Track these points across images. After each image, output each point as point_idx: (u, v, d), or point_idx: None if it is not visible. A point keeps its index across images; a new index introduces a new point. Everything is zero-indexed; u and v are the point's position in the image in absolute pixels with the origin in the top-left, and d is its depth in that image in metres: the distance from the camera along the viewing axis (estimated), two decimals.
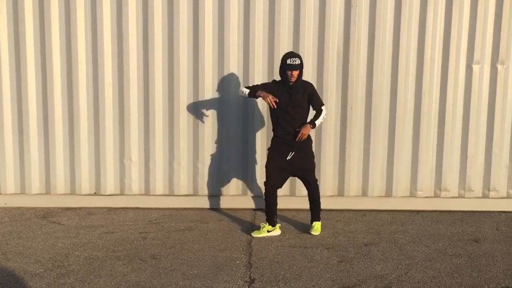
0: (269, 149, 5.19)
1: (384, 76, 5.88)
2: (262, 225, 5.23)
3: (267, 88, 5.07)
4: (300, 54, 5.81)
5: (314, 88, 5.16)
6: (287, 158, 5.03)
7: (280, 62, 5.01)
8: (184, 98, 5.92)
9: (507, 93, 5.91)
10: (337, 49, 5.84)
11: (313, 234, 5.20)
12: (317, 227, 5.24)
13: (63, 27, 5.83)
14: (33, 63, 5.88)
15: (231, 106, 5.92)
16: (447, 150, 5.97)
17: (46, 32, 5.83)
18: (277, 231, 5.22)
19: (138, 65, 5.88)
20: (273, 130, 5.18)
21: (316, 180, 5.23)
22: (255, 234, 5.17)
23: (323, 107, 5.13)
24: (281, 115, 5.04)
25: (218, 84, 5.90)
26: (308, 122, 5.07)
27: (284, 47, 5.81)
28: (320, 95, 5.89)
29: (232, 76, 5.87)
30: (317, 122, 5.08)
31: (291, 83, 5.00)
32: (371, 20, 5.81)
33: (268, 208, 5.16)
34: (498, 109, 5.94)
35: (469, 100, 5.92)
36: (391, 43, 5.84)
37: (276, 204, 5.16)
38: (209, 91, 5.91)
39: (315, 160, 5.26)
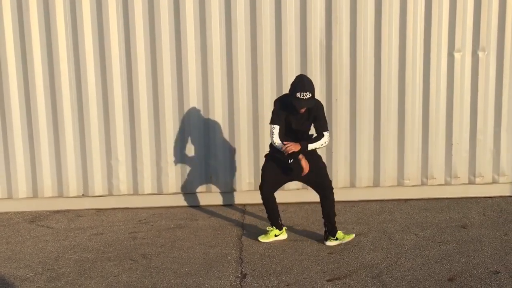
0: (266, 156, 4.88)
1: (368, 68, 5.90)
2: (268, 228, 4.96)
3: (282, 118, 4.58)
4: (283, 49, 5.85)
5: (322, 110, 4.65)
6: (290, 161, 4.58)
7: (290, 86, 4.49)
8: (169, 96, 5.89)
9: (488, 79, 5.98)
10: (319, 42, 5.86)
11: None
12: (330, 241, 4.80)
13: (43, 26, 5.76)
14: (14, 66, 5.80)
15: (216, 103, 5.90)
16: (432, 138, 6.03)
17: (26, 32, 5.76)
18: (284, 235, 4.96)
19: (121, 63, 5.83)
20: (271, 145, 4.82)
21: (331, 188, 4.72)
22: (262, 239, 4.89)
23: (325, 133, 4.63)
24: (287, 132, 4.65)
25: (203, 82, 5.89)
26: (302, 143, 4.58)
27: (267, 41, 5.81)
28: None
29: (216, 75, 5.85)
30: (311, 146, 4.59)
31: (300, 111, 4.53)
32: (352, 12, 5.82)
33: (268, 212, 4.88)
34: (480, 96, 6.00)
35: (452, 88, 5.98)
36: (373, 34, 5.87)
37: (276, 207, 4.85)
38: (194, 89, 5.89)
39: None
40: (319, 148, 4.69)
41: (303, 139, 4.65)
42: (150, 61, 5.84)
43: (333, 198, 4.76)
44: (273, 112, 4.67)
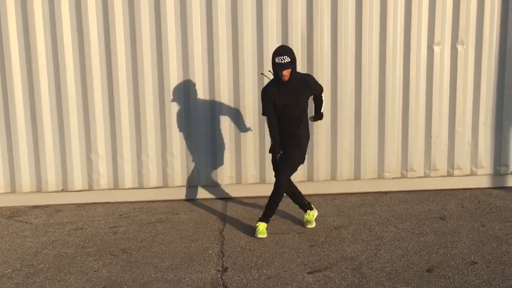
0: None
1: (348, 60, 5.92)
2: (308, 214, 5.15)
3: (271, 106, 4.75)
4: (265, 40, 5.83)
5: (314, 80, 4.96)
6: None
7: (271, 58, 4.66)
8: (150, 89, 5.84)
9: (467, 72, 6.05)
10: (300, 35, 5.85)
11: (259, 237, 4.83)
12: (261, 228, 4.88)
13: (20, 22, 5.66)
14: None
15: (198, 95, 5.88)
16: (412, 131, 6.08)
17: (3, 28, 5.65)
18: (315, 212, 5.21)
19: (101, 57, 5.76)
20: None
21: (285, 176, 4.83)
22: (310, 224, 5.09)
23: (322, 94, 5.03)
24: (281, 115, 4.79)
25: (184, 75, 5.84)
26: (315, 116, 5.09)
27: (248, 32, 5.79)
28: None
29: (198, 68, 5.82)
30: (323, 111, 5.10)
31: (286, 82, 4.66)
32: (333, 4, 5.83)
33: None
34: (459, 89, 6.07)
35: (431, 81, 6.03)
36: (354, 27, 5.88)
37: (295, 191, 5.15)
38: (175, 80, 5.85)
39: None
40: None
41: (301, 124, 4.85)
42: (130, 54, 5.77)
43: (279, 191, 4.81)
44: (262, 102, 4.85)
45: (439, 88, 6.05)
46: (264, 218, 4.94)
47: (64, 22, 5.68)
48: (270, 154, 4.96)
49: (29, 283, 4.07)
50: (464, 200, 5.80)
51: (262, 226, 4.90)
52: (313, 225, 5.08)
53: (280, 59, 4.54)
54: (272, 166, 5.04)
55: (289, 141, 4.86)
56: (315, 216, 5.17)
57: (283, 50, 4.62)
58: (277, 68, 4.57)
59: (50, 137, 5.86)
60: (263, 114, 4.87)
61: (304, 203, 5.18)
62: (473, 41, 6.00)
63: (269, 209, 4.92)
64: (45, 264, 4.40)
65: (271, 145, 4.92)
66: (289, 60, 4.55)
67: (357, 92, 5.99)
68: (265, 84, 4.93)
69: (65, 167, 5.91)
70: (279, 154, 4.89)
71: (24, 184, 5.91)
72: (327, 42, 5.88)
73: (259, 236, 4.82)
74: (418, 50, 5.97)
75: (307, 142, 4.99)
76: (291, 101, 4.75)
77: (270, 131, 4.86)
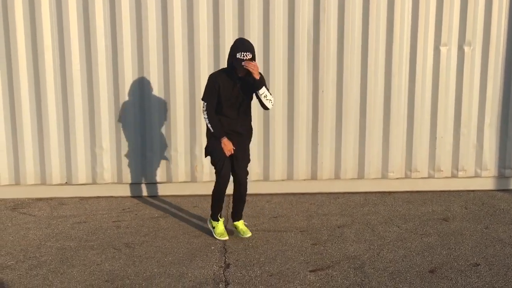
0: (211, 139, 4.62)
1: (355, 60, 5.91)
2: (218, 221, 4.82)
3: (214, 94, 4.43)
4: (270, 39, 5.83)
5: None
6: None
7: (230, 50, 4.38)
8: (155, 83, 5.85)
9: (473, 74, 6.03)
10: (307, 34, 5.84)
11: (243, 236, 4.73)
12: (243, 227, 4.81)
13: (28, 15, 5.67)
14: None
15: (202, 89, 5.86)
16: (417, 131, 6.07)
17: (10, 21, 5.66)
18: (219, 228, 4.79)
19: (107, 48, 5.76)
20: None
21: (247, 174, 4.71)
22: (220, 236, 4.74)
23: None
24: (227, 106, 4.48)
25: (189, 68, 5.84)
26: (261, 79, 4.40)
27: (255, 32, 5.78)
28: (291, 79, 5.92)
29: (203, 60, 5.82)
30: (264, 89, 4.39)
31: (240, 76, 4.41)
32: (340, 4, 5.82)
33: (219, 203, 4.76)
34: (465, 90, 6.05)
35: (438, 82, 6.02)
36: (361, 26, 5.87)
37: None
38: (180, 73, 5.84)
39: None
40: (267, 98, 4.43)
41: (243, 112, 4.54)
42: (136, 49, 5.78)
43: (244, 191, 4.74)
44: (205, 89, 4.51)
45: (445, 89, 6.03)
46: (239, 216, 4.85)
47: (71, 14, 5.69)
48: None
49: (32, 275, 4.08)
50: (468, 202, 5.78)
51: (241, 224, 4.82)
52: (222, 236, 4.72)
53: (242, 55, 4.26)
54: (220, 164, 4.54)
55: (233, 137, 4.54)
56: (217, 230, 4.78)
57: (247, 46, 4.30)
58: (238, 63, 4.26)
59: (55, 130, 5.87)
60: (203, 99, 4.49)
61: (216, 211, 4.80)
62: (480, 42, 5.98)
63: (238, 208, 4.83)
64: (48, 257, 4.41)
65: (208, 143, 4.59)
66: (251, 56, 4.28)
67: (363, 92, 5.98)
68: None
69: (69, 160, 5.93)
70: (230, 147, 4.49)
71: (28, 177, 5.93)
72: (334, 42, 5.87)
73: (247, 235, 4.73)
74: (424, 51, 5.96)
75: (251, 137, 4.72)
76: (241, 94, 4.45)
77: (210, 120, 4.47)
